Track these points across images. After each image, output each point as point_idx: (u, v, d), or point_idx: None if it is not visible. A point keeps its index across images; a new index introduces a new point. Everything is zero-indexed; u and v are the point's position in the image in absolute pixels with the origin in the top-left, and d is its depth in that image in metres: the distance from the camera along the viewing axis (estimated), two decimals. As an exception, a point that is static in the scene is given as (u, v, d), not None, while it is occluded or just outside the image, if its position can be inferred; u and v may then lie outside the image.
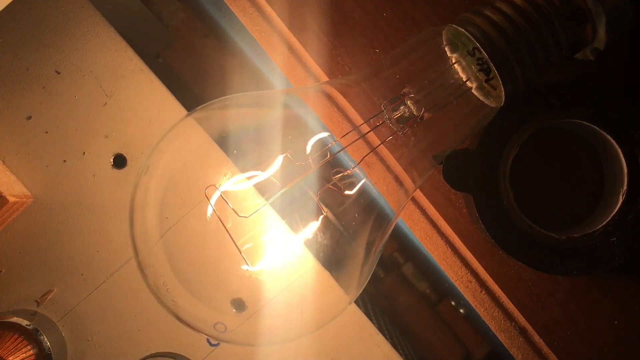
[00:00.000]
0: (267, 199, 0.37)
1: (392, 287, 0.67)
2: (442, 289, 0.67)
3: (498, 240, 0.40)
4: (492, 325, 0.46)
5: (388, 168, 0.43)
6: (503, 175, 0.39)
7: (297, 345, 0.50)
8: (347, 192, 0.39)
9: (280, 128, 0.39)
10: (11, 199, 0.47)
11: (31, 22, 0.49)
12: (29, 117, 0.50)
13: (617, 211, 0.39)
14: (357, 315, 0.51)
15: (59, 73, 0.50)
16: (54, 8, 0.49)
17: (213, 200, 0.37)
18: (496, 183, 0.39)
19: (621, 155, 0.39)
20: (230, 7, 0.46)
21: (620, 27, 0.35)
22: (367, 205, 0.39)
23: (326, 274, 0.44)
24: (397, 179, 0.42)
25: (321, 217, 0.39)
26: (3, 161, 0.50)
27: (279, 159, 0.38)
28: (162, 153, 0.39)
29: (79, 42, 0.50)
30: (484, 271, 0.44)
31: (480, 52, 0.33)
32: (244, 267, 0.39)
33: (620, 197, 0.39)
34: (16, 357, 0.48)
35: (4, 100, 0.49)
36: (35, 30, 0.49)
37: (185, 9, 0.67)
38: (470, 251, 0.44)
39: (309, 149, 0.38)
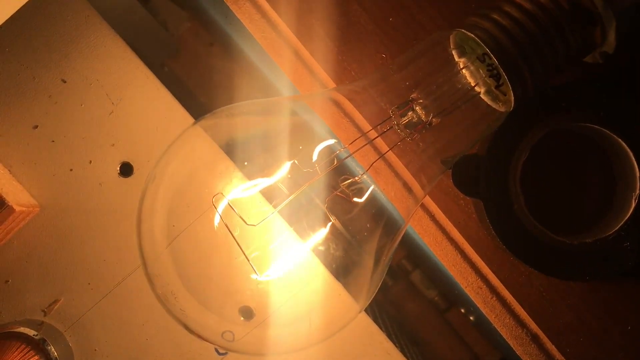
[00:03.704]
0: (275, 207, 0.37)
1: (401, 295, 0.66)
2: (451, 296, 0.67)
3: (509, 246, 0.39)
4: (504, 332, 0.45)
5: (397, 174, 0.43)
6: (513, 180, 0.39)
7: (306, 354, 0.50)
8: (355, 199, 0.38)
9: (288, 135, 0.39)
10: (18, 208, 0.47)
11: (37, 32, 0.49)
12: (35, 126, 0.50)
13: (629, 215, 0.38)
14: (367, 323, 0.51)
15: (65, 82, 0.50)
16: (59, 17, 0.49)
17: (220, 208, 0.37)
18: (506, 188, 0.39)
19: (633, 159, 0.38)
20: (236, 14, 0.46)
21: (629, 30, 0.34)
22: (376, 212, 0.39)
23: (335, 282, 0.43)
24: (405, 185, 0.41)
25: (329, 224, 0.38)
26: (10, 170, 0.50)
27: (287, 166, 0.38)
28: (169, 161, 0.39)
29: (84, 51, 0.50)
30: (495, 277, 0.44)
31: (491, 58, 0.32)
32: (253, 275, 0.38)
33: (633, 201, 0.39)
34: (23, 368, 0.47)
35: (11, 110, 0.49)
36: (41, 39, 0.49)
37: (191, 18, 0.67)
38: (480, 257, 0.44)
39: (316, 155, 0.38)
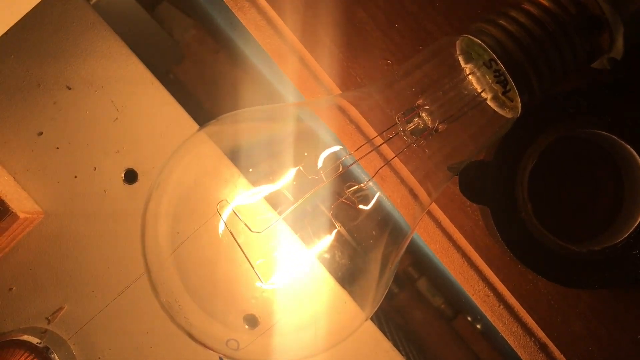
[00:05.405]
0: (280, 214, 0.37)
1: (407, 303, 0.66)
2: (457, 304, 0.66)
3: (516, 253, 0.39)
4: (511, 341, 0.45)
5: (402, 181, 0.43)
6: (521, 187, 0.39)
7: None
8: (361, 206, 0.38)
9: (293, 142, 0.39)
10: (22, 215, 0.47)
11: (42, 39, 0.49)
12: (40, 133, 0.50)
13: (638, 223, 0.38)
14: (372, 331, 0.51)
15: (70, 89, 0.50)
16: (65, 24, 0.49)
17: (225, 215, 0.37)
18: (514, 195, 0.39)
19: (641, 165, 0.38)
20: (242, 21, 0.46)
21: (638, 36, 0.34)
22: (382, 219, 0.39)
23: (341, 290, 0.43)
24: (411, 192, 0.41)
25: (334, 231, 0.38)
26: (14, 177, 0.50)
27: (292, 173, 0.37)
28: (173, 168, 0.39)
29: (90, 58, 0.50)
30: (502, 285, 0.43)
31: (497, 64, 0.32)
32: (257, 283, 0.38)
33: (642, 208, 0.38)
34: (27, 376, 0.47)
35: (16, 116, 0.49)
36: (46, 46, 0.49)
37: (196, 25, 0.67)
38: (487, 265, 0.43)
39: (321, 162, 0.37)
